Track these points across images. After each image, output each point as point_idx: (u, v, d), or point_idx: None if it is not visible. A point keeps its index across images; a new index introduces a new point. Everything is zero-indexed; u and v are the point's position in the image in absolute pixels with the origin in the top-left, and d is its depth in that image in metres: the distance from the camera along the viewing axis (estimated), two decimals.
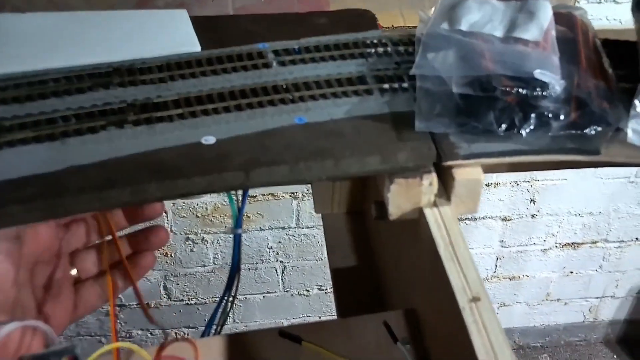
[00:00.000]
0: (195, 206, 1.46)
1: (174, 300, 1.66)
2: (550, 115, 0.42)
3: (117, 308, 1.64)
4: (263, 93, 0.45)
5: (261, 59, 0.49)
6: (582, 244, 1.74)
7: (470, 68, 0.44)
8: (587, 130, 0.41)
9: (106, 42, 0.51)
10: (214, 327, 0.45)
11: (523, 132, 0.41)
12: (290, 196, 1.48)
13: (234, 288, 0.44)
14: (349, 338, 0.43)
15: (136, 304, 1.62)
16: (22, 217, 0.36)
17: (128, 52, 0.49)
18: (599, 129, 0.41)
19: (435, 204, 0.41)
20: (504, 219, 1.66)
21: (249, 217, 1.50)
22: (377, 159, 0.40)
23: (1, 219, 0.35)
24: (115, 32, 0.52)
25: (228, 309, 0.45)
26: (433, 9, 0.55)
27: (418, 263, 0.43)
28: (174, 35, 0.52)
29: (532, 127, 0.41)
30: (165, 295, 1.64)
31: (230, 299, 0.45)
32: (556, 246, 1.74)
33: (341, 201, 0.65)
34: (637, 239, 1.75)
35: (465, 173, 0.40)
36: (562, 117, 0.42)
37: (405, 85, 0.46)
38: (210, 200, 1.45)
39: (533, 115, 0.41)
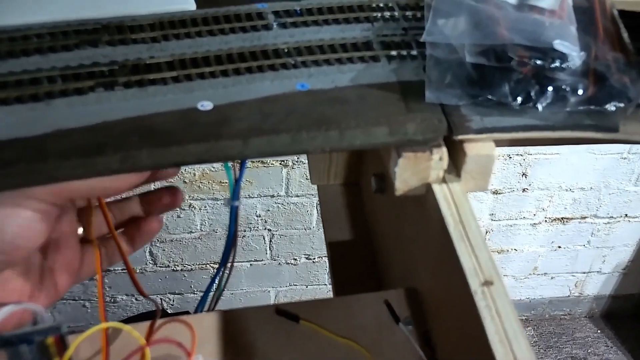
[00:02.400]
0: (183, 172, 1.43)
1: (160, 266, 1.64)
2: (567, 89, 0.39)
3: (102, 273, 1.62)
4: (263, 57, 0.42)
5: (261, 20, 0.46)
6: (572, 219, 1.74)
7: (484, 36, 0.41)
8: (606, 106, 0.39)
9: None
10: (211, 294, 0.43)
11: (539, 106, 0.39)
12: (280, 164, 1.45)
13: (230, 260, 0.42)
14: (348, 317, 0.42)
15: (122, 269, 1.60)
16: (2, 183, 0.33)
17: (117, 7, 0.46)
18: (619, 104, 0.39)
19: (444, 180, 0.39)
20: (495, 192, 1.65)
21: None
22: (384, 131, 0.37)
23: None
24: None
25: (224, 282, 0.43)
26: None
27: (423, 241, 0.41)
28: None
29: (548, 101, 0.39)
30: (151, 261, 1.62)
31: (227, 272, 0.43)
32: (546, 221, 1.73)
33: (338, 172, 0.63)
34: (626, 215, 1.75)
35: (477, 148, 0.38)
36: (580, 91, 0.39)
37: (413, 52, 0.43)
38: (198, 166, 1.42)
39: (550, 88, 0.39)
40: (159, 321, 0.37)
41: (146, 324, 0.37)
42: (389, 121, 0.37)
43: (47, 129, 0.35)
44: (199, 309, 0.42)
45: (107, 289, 1.67)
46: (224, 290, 0.43)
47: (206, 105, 0.38)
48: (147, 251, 1.61)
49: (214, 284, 0.43)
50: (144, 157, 0.35)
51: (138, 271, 1.63)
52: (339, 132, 0.37)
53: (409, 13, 0.47)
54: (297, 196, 1.53)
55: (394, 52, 0.43)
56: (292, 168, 1.47)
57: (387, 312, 0.41)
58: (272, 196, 1.53)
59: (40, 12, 0.44)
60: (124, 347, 0.36)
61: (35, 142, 0.34)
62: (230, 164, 0.41)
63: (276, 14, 0.46)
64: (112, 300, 1.70)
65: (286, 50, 0.43)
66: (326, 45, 0.43)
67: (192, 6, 0.47)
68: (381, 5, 0.48)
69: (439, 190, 0.38)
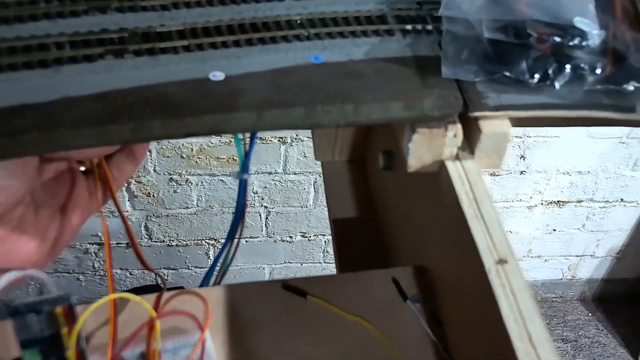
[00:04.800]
0: (181, 146, 1.42)
1: (155, 241, 1.64)
2: (586, 67, 0.39)
3: (96, 246, 1.62)
4: (276, 27, 0.41)
5: None
6: (568, 202, 1.74)
7: (503, 11, 0.40)
8: (624, 86, 0.39)
9: None
10: (215, 271, 0.43)
11: (557, 85, 0.38)
12: (278, 141, 1.44)
13: (238, 234, 0.42)
14: (356, 294, 0.41)
15: (116, 243, 1.60)
16: (12, 151, 0.32)
17: None
18: (637, 84, 0.39)
19: (457, 157, 0.38)
20: (492, 174, 1.65)
21: (235, 160, 1.46)
22: (400, 106, 0.37)
23: None
24: None
25: (231, 256, 0.42)
26: None
27: (434, 219, 0.41)
28: None
29: (566, 79, 0.38)
30: (146, 236, 1.62)
31: (234, 245, 0.42)
32: (542, 203, 1.74)
33: (343, 149, 0.63)
34: (622, 199, 1.75)
35: (493, 125, 0.37)
36: (598, 70, 0.39)
37: (429, 27, 0.43)
38: (197, 140, 1.42)
39: (568, 66, 0.38)
40: (167, 294, 0.37)
41: (153, 296, 0.37)
42: (405, 96, 0.37)
43: (57, 96, 0.34)
44: (204, 283, 0.42)
45: (102, 262, 1.67)
46: (230, 264, 0.43)
47: (218, 75, 0.37)
48: (142, 225, 1.60)
49: (220, 258, 0.42)
50: (157, 127, 0.34)
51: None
52: (354, 106, 0.36)
53: None
54: (295, 174, 1.53)
55: (409, 27, 0.42)
56: (291, 145, 1.46)
57: (395, 289, 0.41)
58: (270, 173, 1.52)
59: None
60: (131, 320, 0.35)
61: (45, 109, 0.33)
62: (240, 136, 0.40)
63: None
64: (106, 274, 1.69)
65: (299, 22, 0.42)
66: (340, 18, 0.43)
67: None
68: None
69: (453, 168, 0.37)
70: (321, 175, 1.49)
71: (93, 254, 1.64)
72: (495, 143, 0.38)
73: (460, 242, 0.35)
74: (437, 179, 0.39)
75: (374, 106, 0.36)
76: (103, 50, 0.38)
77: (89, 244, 1.60)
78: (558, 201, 1.75)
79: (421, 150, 0.38)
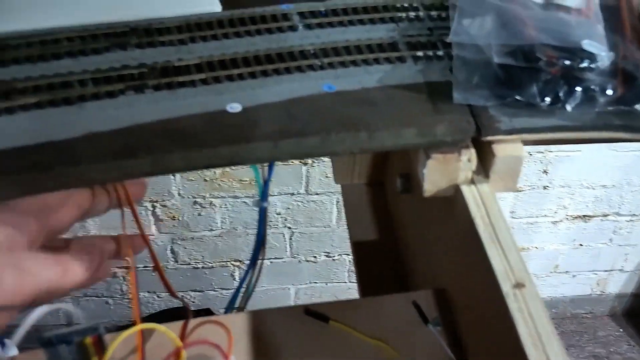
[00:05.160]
0: (203, 170, 1.44)
1: (181, 264, 1.65)
2: (596, 89, 0.39)
3: (124, 270, 1.64)
4: (290, 58, 0.42)
5: (286, 21, 0.46)
6: (594, 216, 1.72)
7: (511, 36, 0.41)
8: (635, 106, 0.39)
9: None
10: (241, 293, 0.43)
11: (568, 107, 0.39)
12: (300, 162, 1.45)
13: (260, 259, 0.42)
14: (377, 317, 0.42)
15: (143, 267, 1.62)
16: (36, 185, 0.34)
17: (144, 10, 0.46)
18: None
19: (472, 181, 0.39)
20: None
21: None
22: (413, 132, 0.37)
23: (13, 187, 0.33)
24: None
25: (254, 281, 0.43)
26: None
27: (451, 242, 0.41)
28: None
29: (577, 101, 0.39)
30: (172, 259, 1.63)
31: (257, 271, 0.43)
32: (567, 218, 1.72)
33: (362, 172, 0.63)
34: None
35: (506, 149, 0.38)
36: (609, 91, 0.39)
37: (439, 53, 0.43)
38: None
39: (579, 88, 0.39)
40: (192, 321, 0.38)
41: (179, 324, 0.37)
42: (418, 122, 0.38)
43: (80, 132, 0.36)
44: (230, 305, 0.43)
45: (129, 285, 1.69)
46: (254, 289, 0.43)
47: (235, 107, 0.38)
48: (168, 249, 1.62)
49: (244, 283, 0.43)
50: (176, 160, 0.35)
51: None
52: (367, 133, 0.37)
53: (433, 13, 0.47)
54: (317, 194, 1.54)
55: (420, 53, 0.43)
56: (312, 166, 1.47)
57: (415, 312, 0.41)
58: (292, 194, 1.53)
59: (70, 15, 0.45)
60: (158, 347, 0.36)
61: (68, 145, 0.35)
62: (258, 165, 0.41)
63: (301, 14, 0.46)
64: None
65: (312, 52, 0.43)
66: (352, 46, 0.44)
67: (218, 8, 0.48)
68: (406, 5, 0.48)
69: (468, 191, 0.38)
70: None
71: (121, 278, 1.66)
72: (509, 166, 0.38)
73: (477, 265, 0.35)
74: (452, 202, 0.39)
75: (387, 133, 0.37)
76: (124, 86, 0.39)
77: (117, 267, 1.62)
78: (583, 215, 1.73)
79: (436, 175, 0.38)
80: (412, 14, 0.47)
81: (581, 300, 2.00)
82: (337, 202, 1.56)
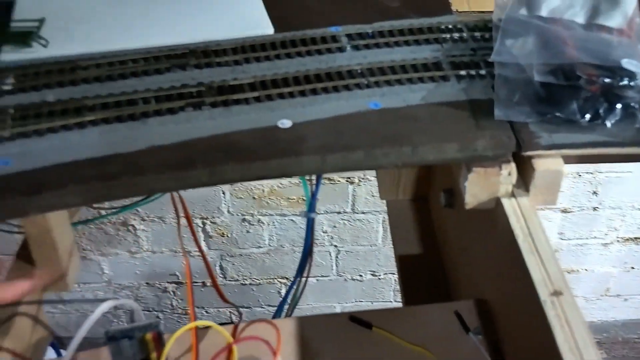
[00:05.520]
0: (252, 188, 1.47)
1: (229, 280, 1.69)
2: (636, 106, 0.40)
3: (174, 285, 1.68)
4: (338, 77, 0.44)
5: (334, 42, 0.48)
6: None
7: (552, 55, 0.42)
8: None
9: (180, 22, 0.51)
10: (286, 307, 0.46)
11: (608, 123, 0.40)
12: (346, 180, 1.47)
13: (307, 271, 0.44)
14: (419, 326, 0.43)
15: (192, 282, 1.66)
16: (104, 194, 0.37)
17: (202, 33, 0.49)
18: None
19: (512, 194, 0.40)
20: (564, 211, 1.62)
21: (304, 200, 1.50)
22: (455, 147, 0.39)
23: (85, 195, 0.36)
24: (187, 11, 0.53)
25: (300, 291, 0.45)
26: None
27: (492, 253, 0.42)
28: (246, 17, 0.52)
29: (617, 118, 0.40)
30: (220, 275, 1.67)
31: (303, 280, 0.45)
32: (618, 240, 1.68)
33: (406, 187, 0.65)
34: None
35: (546, 164, 0.39)
36: None
37: (482, 72, 0.45)
38: (267, 182, 1.46)
39: (619, 105, 0.40)
40: (242, 323, 0.40)
41: (230, 326, 0.40)
42: (460, 138, 0.39)
43: (144, 145, 0.39)
44: (276, 314, 0.45)
45: (179, 300, 1.73)
46: (299, 300, 0.45)
47: (286, 123, 0.41)
48: (217, 265, 1.65)
49: (290, 294, 0.45)
50: (231, 172, 0.37)
51: (209, 284, 1.68)
52: (411, 148, 0.39)
53: (477, 34, 0.49)
54: (363, 213, 1.55)
55: (463, 72, 0.45)
56: (359, 185, 1.49)
57: (457, 321, 0.43)
58: (338, 212, 1.55)
59: (134, 38, 0.48)
60: (212, 346, 0.38)
61: (134, 157, 0.38)
62: (306, 177, 0.44)
63: (349, 36, 0.49)
64: (184, 312, 1.75)
65: (359, 71, 0.45)
66: (397, 66, 0.46)
67: (271, 30, 0.50)
68: (450, 26, 0.50)
69: (508, 204, 0.39)
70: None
71: (171, 293, 1.70)
72: (549, 180, 0.39)
73: (516, 275, 0.37)
74: (493, 215, 0.40)
75: (430, 148, 0.39)
76: (184, 103, 0.42)
77: (167, 282, 1.67)
78: (635, 238, 1.69)
79: (477, 188, 0.40)
80: (456, 35, 0.49)
81: (633, 324, 1.95)
82: (383, 220, 1.57)
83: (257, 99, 0.43)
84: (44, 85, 0.43)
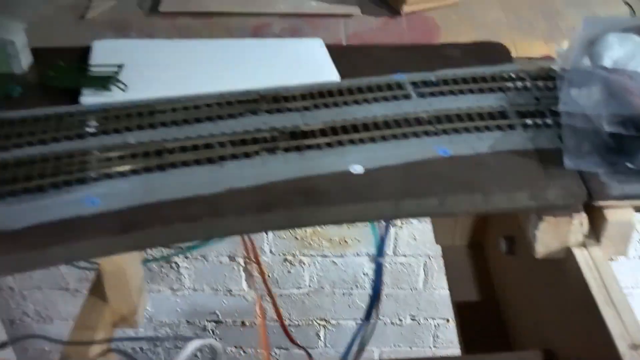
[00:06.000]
0: (295, 228, 1.49)
1: (269, 321, 1.68)
2: None
3: (214, 324, 1.69)
4: (406, 124, 0.46)
5: (400, 90, 0.50)
6: None
7: (620, 106, 0.43)
8: None
9: (249, 69, 0.53)
10: (354, 347, 0.46)
11: None
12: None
13: (375, 314, 0.45)
14: None
15: (232, 321, 1.66)
16: (187, 235, 0.38)
17: (272, 79, 0.51)
18: None
19: (584, 244, 0.40)
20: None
21: (346, 241, 1.51)
22: (526, 195, 0.40)
23: (169, 235, 0.38)
24: (257, 59, 0.55)
25: (368, 334, 0.46)
26: (567, 43, 0.54)
27: (562, 303, 0.42)
28: (313, 64, 0.54)
29: None
30: (260, 315, 1.67)
31: (372, 322, 0.46)
32: None
33: (462, 233, 0.65)
34: None
35: (617, 214, 0.39)
36: None
37: (548, 121, 0.46)
38: None
39: None
40: None
41: None
42: (530, 186, 0.40)
43: (222, 188, 0.40)
44: (344, 357, 0.45)
45: (218, 340, 1.73)
46: (367, 344, 0.46)
47: (357, 168, 0.42)
48: (257, 305, 1.66)
49: (357, 338, 0.46)
50: (308, 216, 0.39)
51: (248, 324, 1.68)
52: (483, 196, 0.39)
53: (540, 83, 0.50)
54: (405, 256, 1.54)
55: (529, 121, 0.46)
56: (400, 228, 1.49)
57: None
58: None
59: (208, 84, 0.50)
60: None
61: (214, 200, 0.39)
62: (375, 222, 0.44)
63: (414, 84, 0.50)
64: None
65: (426, 118, 0.46)
66: (464, 114, 0.47)
67: (337, 78, 0.52)
68: (513, 75, 0.51)
69: (580, 255, 0.39)
70: (430, 258, 1.50)
71: (210, 331, 1.71)
72: (620, 231, 0.39)
73: (591, 327, 0.37)
74: (563, 264, 0.41)
75: (502, 196, 0.40)
76: (258, 147, 0.43)
77: (207, 321, 1.68)
78: None
79: (548, 237, 0.40)
80: (519, 83, 0.50)
81: None
82: (425, 264, 1.56)
83: (329, 145, 0.44)
84: (125, 128, 0.45)
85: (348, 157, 0.43)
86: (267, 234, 1.52)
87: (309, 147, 0.44)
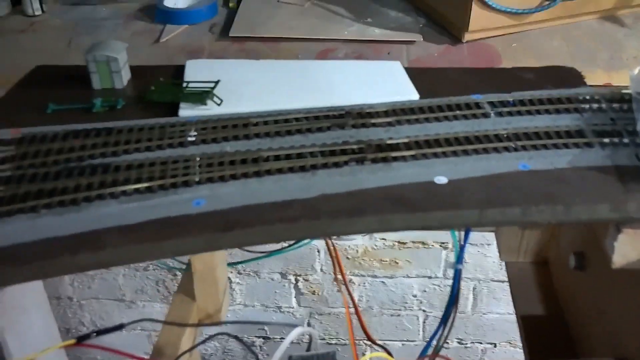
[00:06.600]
0: (347, 248, 1.51)
1: (314, 349, 1.70)
2: None
3: (262, 340, 1.72)
4: (486, 140, 0.48)
5: (478, 109, 0.52)
6: None
7: None
8: None
9: (334, 87, 0.57)
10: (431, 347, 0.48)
11: None
12: (440, 245, 1.49)
13: (451, 320, 0.47)
14: None
15: (280, 338, 1.68)
16: (285, 234, 0.41)
17: (356, 97, 0.54)
18: None
19: None
20: None
21: (397, 262, 1.52)
22: (606, 207, 0.42)
23: (269, 235, 0.41)
24: (339, 79, 0.59)
25: (442, 342, 0.48)
26: (638, 68, 0.56)
27: (637, 313, 0.44)
28: (393, 84, 0.58)
29: None
30: (308, 333, 1.69)
31: (449, 325, 0.48)
32: None
33: (527, 251, 0.67)
34: None
35: None
36: None
37: (625, 140, 0.48)
38: (362, 243, 1.50)
39: None
40: None
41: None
42: (611, 199, 0.42)
43: (315, 194, 0.43)
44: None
45: (265, 355, 1.75)
46: (444, 344, 0.48)
47: (442, 179, 0.44)
48: (305, 322, 1.68)
49: (434, 339, 0.48)
50: (397, 221, 0.41)
51: (295, 341, 1.70)
52: (564, 207, 0.42)
53: (615, 105, 0.52)
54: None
55: (606, 140, 0.48)
56: (452, 250, 1.50)
57: None
58: (430, 277, 1.56)
59: (297, 100, 0.54)
60: None
61: (310, 203, 0.42)
62: (455, 230, 0.47)
63: (491, 104, 0.53)
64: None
65: (505, 135, 0.49)
66: (542, 132, 0.49)
67: (416, 96, 0.55)
68: (587, 97, 0.53)
69: None
70: (480, 282, 1.51)
71: (258, 347, 1.74)
72: None
73: None
74: None
75: (583, 207, 0.42)
76: (347, 158, 0.46)
77: (255, 337, 1.70)
78: None
79: (626, 248, 0.42)
80: (594, 105, 0.52)
81: None
82: (474, 288, 1.57)
83: (414, 157, 0.47)
84: (222, 138, 0.49)
85: (432, 168, 0.45)
86: (318, 252, 1.55)
87: (395, 158, 0.46)
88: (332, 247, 0.50)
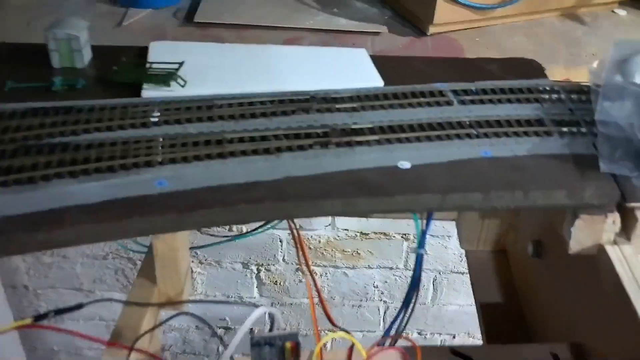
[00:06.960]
0: (310, 238, 1.51)
1: (277, 329, 1.70)
2: None
3: (223, 330, 1.71)
4: (449, 127, 0.49)
5: (442, 97, 0.53)
6: None
7: None
8: None
9: (299, 73, 0.57)
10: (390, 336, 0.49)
11: None
12: (402, 237, 1.50)
13: (412, 304, 0.48)
14: None
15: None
16: (250, 215, 0.41)
17: (322, 83, 0.55)
18: None
19: (615, 242, 0.43)
20: None
21: (359, 254, 1.53)
22: (563, 194, 0.43)
23: (231, 215, 0.40)
24: (305, 64, 0.59)
25: (405, 322, 0.48)
26: (597, 62, 0.58)
27: (592, 299, 0.45)
28: (358, 71, 0.58)
29: None
30: (268, 322, 1.69)
31: (409, 311, 0.48)
32: None
33: (487, 239, 0.68)
34: None
35: None
36: None
37: (583, 129, 0.49)
38: (325, 234, 1.50)
39: None
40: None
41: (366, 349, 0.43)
42: (568, 186, 0.43)
43: (280, 176, 0.43)
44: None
45: (226, 346, 1.74)
46: (404, 330, 0.49)
47: (405, 164, 0.45)
48: (267, 313, 1.67)
49: (395, 324, 0.48)
50: (362, 204, 0.41)
51: (256, 331, 1.70)
52: (523, 193, 0.42)
53: (574, 96, 0.53)
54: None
55: (564, 129, 0.49)
56: (413, 242, 1.51)
57: None
58: (391, 268, 1.57)
59: (262, 84, 0.54)
60: None
61: (273, 185, 0.42)
62: (418, 215, 0.47)
63: (455, 92, 0.53)
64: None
65: (468, 123, 0.49)
66: (503, 120, 0.50)
67: (381, 83, 0.55)
68: (547, 88, 0.54)
69: (612, 251, 0.42)
70: (440, 273, 1.52)
71: (219, 338, 1.73)
72: None
73: (623, 320, 0.39)
74: (595, 262, 0.43)
75: (540, 194, 0.43)
76: (312, 142, 0.46)
77: (217, 327, 1.70)
78: None
79: (582, 234, 0.43)
80: (554, 96, 0.53)
81: None
82: (435, 279, 1.59)
83: (378, 142, 0.47)
84: (186, 120, 0.48)
85: (396, 153, 0.46)
86: (281, 242, 1.55)
87: (359, 143, 0.47)
88: (296, 236, 0.50)
